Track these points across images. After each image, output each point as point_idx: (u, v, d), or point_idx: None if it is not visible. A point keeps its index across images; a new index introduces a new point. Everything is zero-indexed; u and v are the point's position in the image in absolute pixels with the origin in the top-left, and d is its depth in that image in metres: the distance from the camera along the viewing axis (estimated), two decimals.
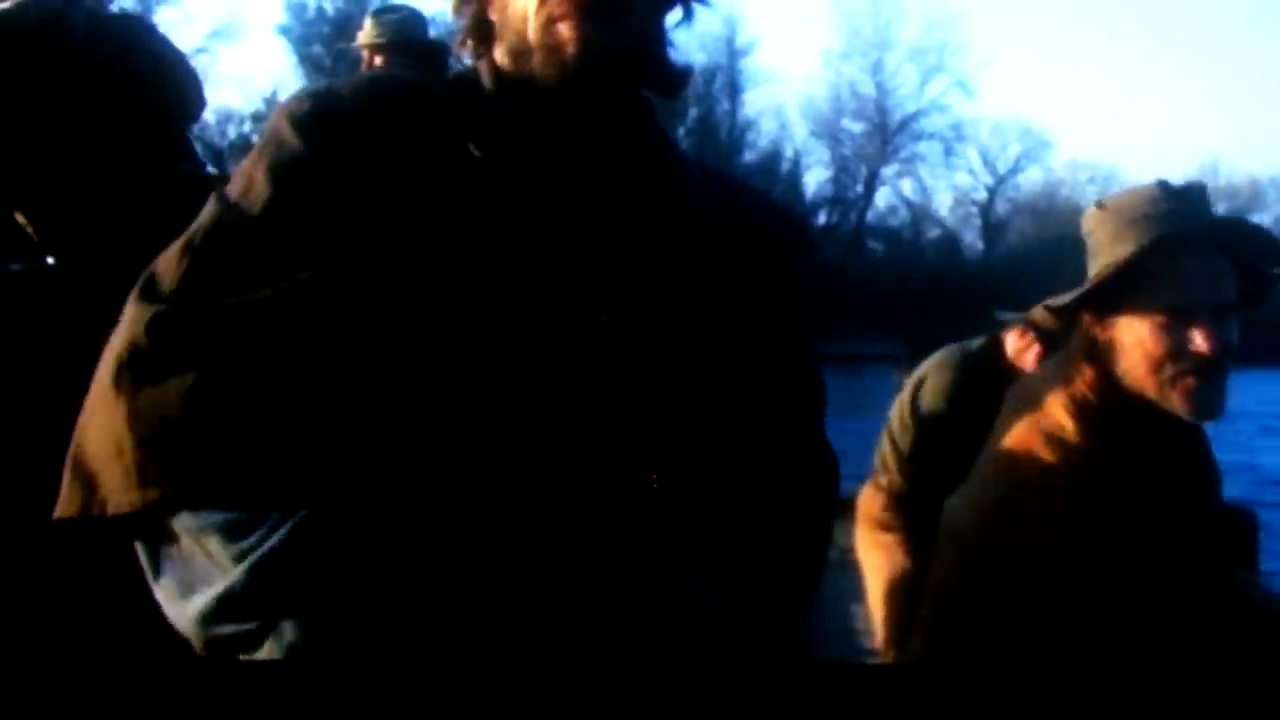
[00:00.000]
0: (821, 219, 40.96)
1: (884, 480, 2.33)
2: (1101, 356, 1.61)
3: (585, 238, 1.07)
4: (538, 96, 1.08)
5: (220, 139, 27.60)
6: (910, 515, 2.21)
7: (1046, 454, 1.59)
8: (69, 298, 1.36)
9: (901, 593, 2.09)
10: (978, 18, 76.49)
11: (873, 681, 1.00)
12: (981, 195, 42.87)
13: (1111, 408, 1.59)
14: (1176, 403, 1.55)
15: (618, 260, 1.07)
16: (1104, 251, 1.63)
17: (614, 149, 1.11)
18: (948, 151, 42.30)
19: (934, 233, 43.49)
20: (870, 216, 42.49)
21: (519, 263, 1.04)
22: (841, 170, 42.09)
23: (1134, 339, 1.57)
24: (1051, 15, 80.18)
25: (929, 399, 2.34)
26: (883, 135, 41.57)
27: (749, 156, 40.66)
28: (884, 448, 2.39)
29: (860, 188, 41.93)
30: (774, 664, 1.07)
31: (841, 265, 35.64)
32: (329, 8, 33.03)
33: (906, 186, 43.44)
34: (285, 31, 34.41)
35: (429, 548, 0.96)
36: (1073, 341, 1.68)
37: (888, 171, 42.22)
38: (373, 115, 1.06)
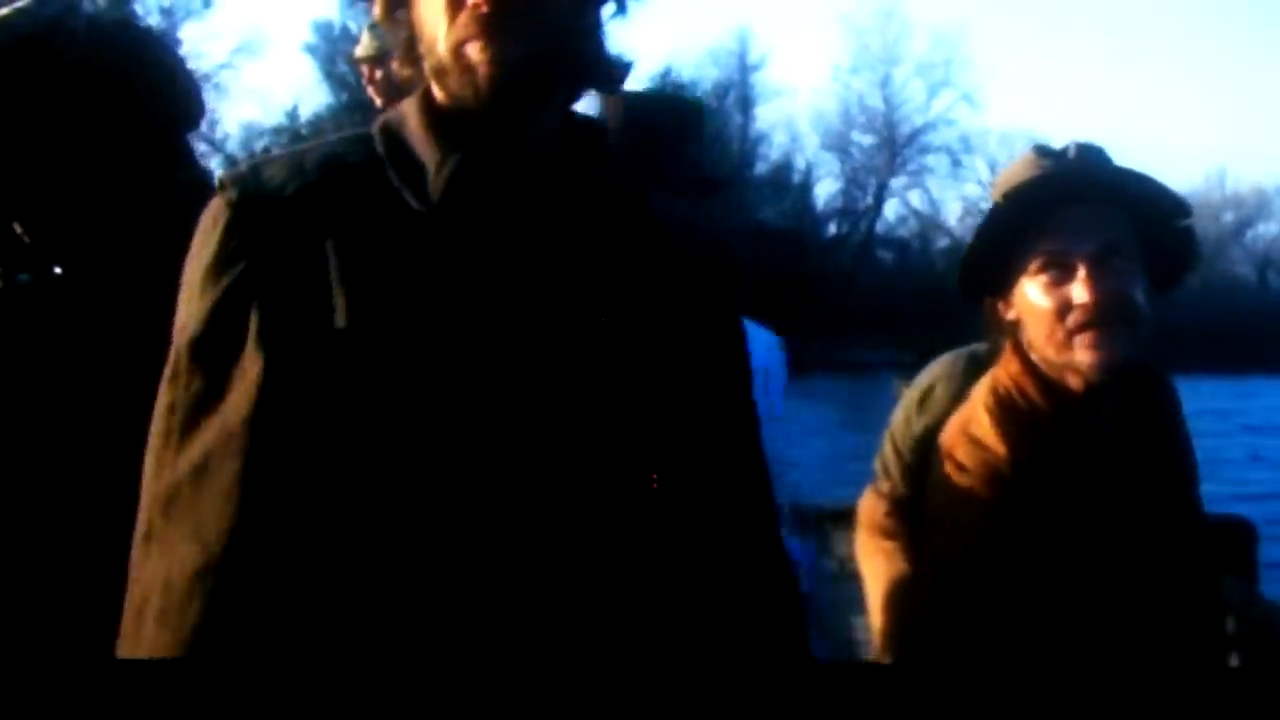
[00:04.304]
0: (832, 229, 41.10)
1: (885, 486, 2.31)
2: (1016, 337, 1.54)
3: (531, 278, 1.03)
4: (463, 121, 1.04)
5: (244, 150, 27.61)
6: (913, 522, 2.19)
7: (966, 458, 1.54)
8: (72, 307, 1.36)
9: (904, 600, 2.07)
10: (984, 31, 76.51)
11: (873, 681, 1.00)
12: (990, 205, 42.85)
13: (1036, 396, 1.52)
14: (1079, 363, 1.46)
15: (569, 298, 1.04)
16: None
17: (550, 175, 1.07)
18: (955, 163, 42.43)
19: (943, 242, 43.46)
20: (879, 227, 42.61)
21: (470, 314, 1.00)
22: (851, 182, 42.27)
23: (1026, 306, 1.50)
24: (1058, 27, 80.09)
25: (938, 405, 2.32)
26: (891, 148, 41.69)
27: (761, 169, 40.84)
28: (886, 454, 2.36)
29: (870, 199, 42.06)
30: (773, 665, 1.07)
31: (851, 275, 35.64)
32: (354, 27, 33.02)
33: (915, 198, 43.53)
34: (311, 50, 34.49)
35: None
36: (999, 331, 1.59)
37: (896, 183, 42.37)
38: (300, 194, 1.02)
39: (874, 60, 42.06)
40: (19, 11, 1.34)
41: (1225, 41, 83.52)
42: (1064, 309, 1.46)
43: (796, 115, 44.53)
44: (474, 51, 1.00)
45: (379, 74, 3.50)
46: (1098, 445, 1.52)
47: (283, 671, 0.94)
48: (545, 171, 1.07)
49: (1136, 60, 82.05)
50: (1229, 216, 47.66)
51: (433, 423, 0.99)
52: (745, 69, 40.43)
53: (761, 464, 1.20)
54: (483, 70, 1.00)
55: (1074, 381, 1.50)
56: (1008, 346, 1.56)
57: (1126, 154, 1.57)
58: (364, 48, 3.57)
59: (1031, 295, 1.49)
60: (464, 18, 0.99)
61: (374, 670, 0.93)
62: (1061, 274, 1.47)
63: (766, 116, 43.51)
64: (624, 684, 0.94)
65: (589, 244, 1.06)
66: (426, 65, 1.05)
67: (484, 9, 0.98)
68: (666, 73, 35.02)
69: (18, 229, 1.36)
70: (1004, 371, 1.55)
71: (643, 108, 2.00)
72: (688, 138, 2.03)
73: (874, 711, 0.92)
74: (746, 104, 40.33)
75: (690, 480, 1.09)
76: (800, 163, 42.17)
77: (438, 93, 1.07)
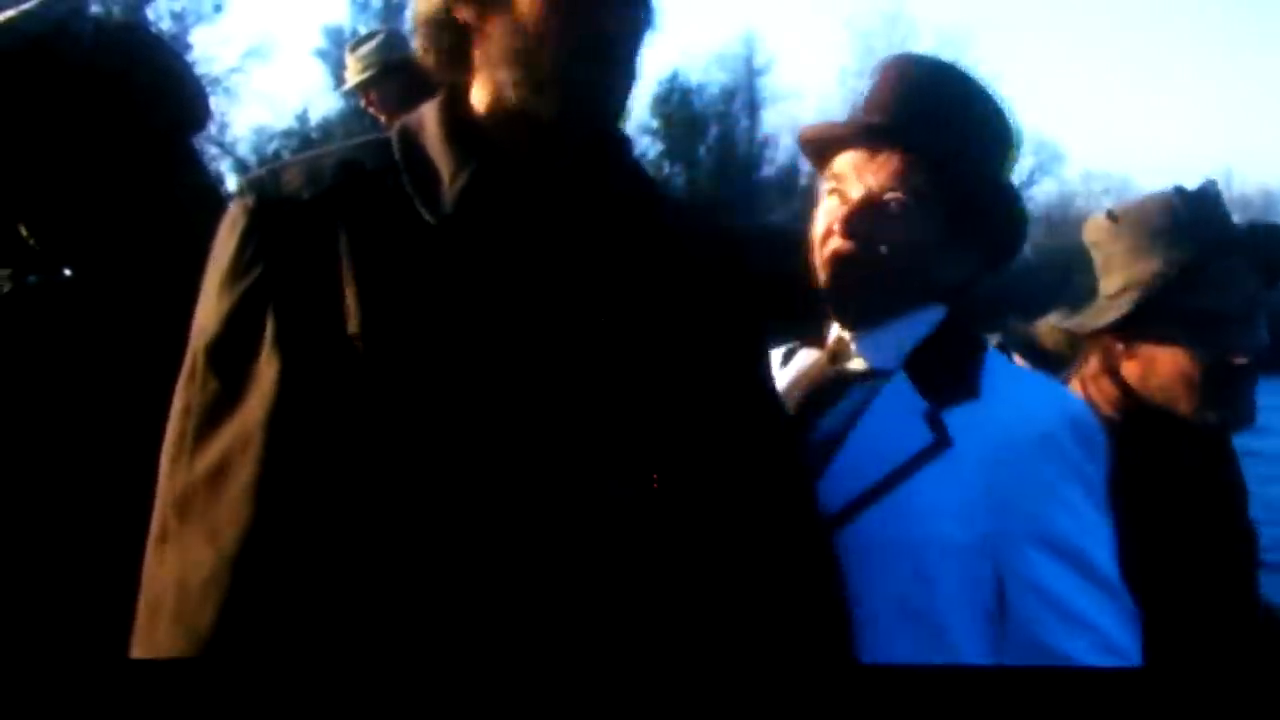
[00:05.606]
0: None
1: None
2: (1126, 374, 1.56)
3: (539, 286, 1.04)
4: (482, 129, 1.06)
5: (253, 154, 27.54)
6: None
7: None
8: (80, 309, 1.36)
9: None
10: (989, 33, 76.44)
11: (874, 682, 1.00)
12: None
13: (1132, 427, 1.53)
14: (1214, 415, 1.51)
15: (576, 305, 1.04)
16: (1123, 267, 1.57)
17: (566, 185, 1.08)
18: None
19: None
20: None
21: (479, 322, 1.01)
22: None
23: (1167, 355, 1.52)
24: (1063, 28, 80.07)
25: None
26: None
27: (767, 172, 40.74)
28: None
29: None
30: (780, 665, 1.06)
31: None
32: (364, 31, 32.72)
33: None
34: (321, 55, 34.33)
35: None
36: (1089, 361, 1.62)
37: None
38: (316, 200, 1.04)
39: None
40: (25, 15, 1.34)
41: (1231, 42, 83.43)
42: (1215, 365, 1.50)
43: (803, 118, 44.51)
44: (589, 73, 1.01)
45: (373, 95, 3.56)
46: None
47: (295, 674, 0.94)
48: (561, 181, 1.07)
49: (1141, 61, 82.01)
50: (1236, 218, 47.45)
51: (439, 428, 0.99)
52: (752, 73, 40.38)
53: (794, 462, 1.19)
54: (589, 92, 1.02)
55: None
56: (1105, 380, 1.58)
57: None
58: (351, 73, 3.62)
59: (1178, 347, 1.52)
60: (582, 39, 1.01)
61: (388, 674, 0.93)
62: (1214, 331, 1.52)
63: (773, 120, 43.45)
64: (650, 686, 0.94)
65: (598, 253, 1.07)
66: (509, 73, 1.04)
67: (610, 31, 1.01)
68: (674, 77, 35.03)
69: (23, 231, 1.37)
70: (1103, 404, 1.57)
71: None
72: None
73: (913, 715, 0.92)
74: (754, 107, 40.29)
75: (706, 482, 1.08)
76: (807, 165, 42.03)
77: (474, 100, 1.07)
